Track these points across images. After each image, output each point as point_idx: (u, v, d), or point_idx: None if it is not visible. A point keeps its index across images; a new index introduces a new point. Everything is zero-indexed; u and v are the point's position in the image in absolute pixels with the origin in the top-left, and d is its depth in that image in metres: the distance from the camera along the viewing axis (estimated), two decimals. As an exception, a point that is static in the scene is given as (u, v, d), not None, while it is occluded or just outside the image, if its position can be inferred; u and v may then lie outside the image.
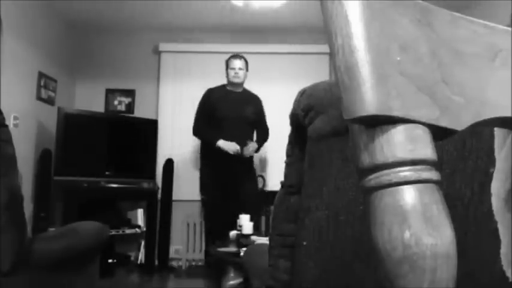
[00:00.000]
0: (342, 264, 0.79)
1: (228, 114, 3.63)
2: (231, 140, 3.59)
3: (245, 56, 3.84)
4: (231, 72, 3.70)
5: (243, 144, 3.63)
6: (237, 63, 3.70)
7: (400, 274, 0.31)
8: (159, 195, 4.20)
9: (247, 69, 3.77)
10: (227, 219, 3.45)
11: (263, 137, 3.87)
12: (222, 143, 3.57)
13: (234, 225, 3.21)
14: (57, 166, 3.73)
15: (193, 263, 4.34)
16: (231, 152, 3.57)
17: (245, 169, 3.75)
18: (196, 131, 3.76)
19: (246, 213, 3.16)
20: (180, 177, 4.31)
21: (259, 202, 3.80)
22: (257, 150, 3.79)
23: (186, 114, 4.06)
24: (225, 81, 3.80)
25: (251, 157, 3.82)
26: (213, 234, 3.61)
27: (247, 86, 3.89)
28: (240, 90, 3.78)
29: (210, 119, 3.67)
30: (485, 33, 0.38)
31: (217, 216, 3.62)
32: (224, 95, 3.71)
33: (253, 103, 3.82)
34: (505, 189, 0.66)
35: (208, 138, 3.69)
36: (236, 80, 3.70)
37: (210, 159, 3.70)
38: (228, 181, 3.65)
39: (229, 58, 3.77)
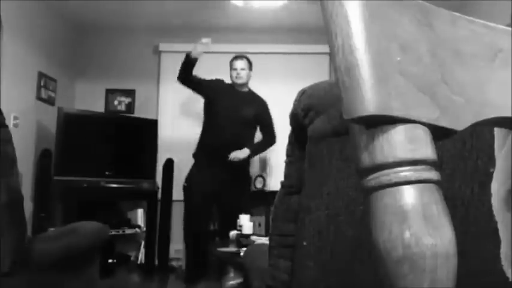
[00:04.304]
0: (342, 264, 0.79)
1: (222, 107, 3.60)
2: (221, 136, 3.52)
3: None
4: (233, 73, 3.68)
5: (234, 145, 3.54)
6: (239, 64, 3.68)
7: (400, 274, 0.31)
8: (159, 195, 4.20)
9: (250, 69, 3.74)
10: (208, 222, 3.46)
11: (269, 141, 3.77)
12: (193, 51, 3.48)
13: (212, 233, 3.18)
14: (57, 166, 3.72)
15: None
16: (198, 52, 3.49)
17: (238, 174, 3.62)
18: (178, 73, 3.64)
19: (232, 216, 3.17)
20: (180, 177, 4.31)
21: (247, 207, 3.56)
22: (251, 156, 3.68)
23: (186, 114, 4.05)
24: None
25: (246, 161, 3.69)
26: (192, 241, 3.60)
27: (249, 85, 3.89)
28: (245, 90, 3.76)
29: (205, 106, 3.65)
30: (485, 33, 0.38)
31: (196, 219, 3.55)
32: (228, 88, 3.70)
33: (256, 105, 3.74)
34: (505, 189, 0.66)
35: (182, 63, 3.57)
36: (238, 81, 3.67)
37: (201, 161, 3.65)
38: (216, 186, 3.52)
39: (232, 59, 3.75)
